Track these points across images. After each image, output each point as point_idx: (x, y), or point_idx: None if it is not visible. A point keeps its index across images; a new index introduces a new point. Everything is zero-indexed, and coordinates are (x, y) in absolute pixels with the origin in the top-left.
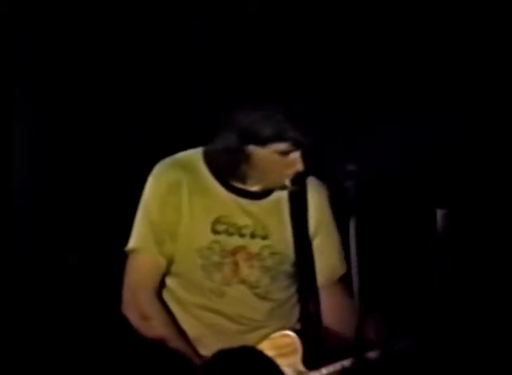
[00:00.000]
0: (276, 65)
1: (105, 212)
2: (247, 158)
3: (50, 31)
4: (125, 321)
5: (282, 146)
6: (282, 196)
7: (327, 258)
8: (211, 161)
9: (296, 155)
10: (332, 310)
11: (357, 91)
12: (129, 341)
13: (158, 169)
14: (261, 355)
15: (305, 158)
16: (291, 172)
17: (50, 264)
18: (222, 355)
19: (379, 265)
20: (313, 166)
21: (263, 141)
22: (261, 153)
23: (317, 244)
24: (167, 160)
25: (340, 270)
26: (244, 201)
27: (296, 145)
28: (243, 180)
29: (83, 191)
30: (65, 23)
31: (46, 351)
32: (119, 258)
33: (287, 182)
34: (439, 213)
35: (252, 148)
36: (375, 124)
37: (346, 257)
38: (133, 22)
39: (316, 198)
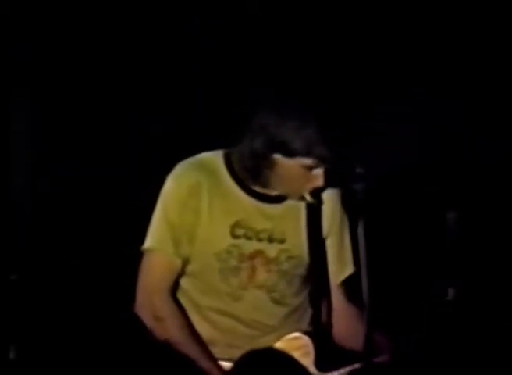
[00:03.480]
0: (276, 65)
1: (111, 212)
2: (271, 165)
3: (50, 31)
4: (136, 322)
5: (308, 161)
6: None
7: (342, 260)
8: (235, 162)
9: (319, 171)
10: (338, 314)
11: (363, 91)
12: (140, 342)
13: (179, 169)
14: (289, 357)
15: (327, 174)
16: (311, 186)
17: (56, 265)
18: (251, 356)
19: (388, 266)
20: (333, 181)
21: (290, 153)
22: (286, 163)
23: (329, 244)
24: (188, 161)
25: (349, 271)
26: (263, 205)
27: (322, 162)
28: (264, 185)
29: (87, 192)
30: (65, 24)
31: (56, 349)
32: (131, 258)
33: (307, 195)
34: (450, 216)
35: (278, 157)
36: (385, 126)
37: (355, 259)
38: (132, 22)
39: (330, 200)
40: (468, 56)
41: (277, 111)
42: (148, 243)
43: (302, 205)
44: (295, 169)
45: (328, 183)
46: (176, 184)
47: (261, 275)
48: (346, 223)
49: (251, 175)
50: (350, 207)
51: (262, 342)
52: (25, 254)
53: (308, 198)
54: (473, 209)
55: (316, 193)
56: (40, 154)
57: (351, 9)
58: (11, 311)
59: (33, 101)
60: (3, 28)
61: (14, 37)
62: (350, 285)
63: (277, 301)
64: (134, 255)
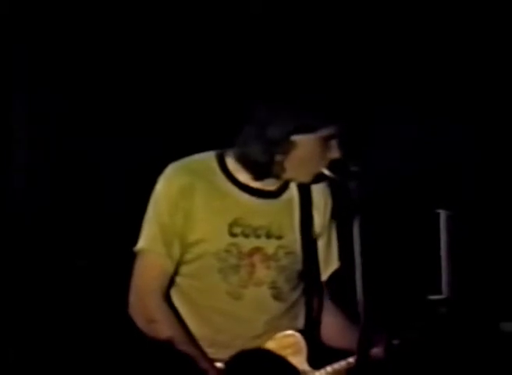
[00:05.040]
0: (278, 64)
1: (109, 212)
2: (288, 150)
3: (50, 31)
4: (131, 322)
5: (328, 131)
6: (293, 196)
7: (329, 255)
8: (229, 162)
9: (334, 142)
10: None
11: (359, 90)
12: (138, 344)
13: (171, 171)
14: (279, 357)
15: (340, 145)
16: (328, 158)
17: (59, 266)
18: (241, 357)
19: (382, 264)
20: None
21: (312, 129)
22: (307, 141)
23: (323, 242)
24: (180, 163)
25: (333, 266)
26: (259, 201)
27: (340, 129)
28: (278, 174)
29: (86, 192)
30: (64, 24)
31: (54, 351)
32: (128, 258)
33: (324, 170)
34: (443, 215)
35: (298, 138)
36: (381, 125)
37: (350, 257)
38: (133, 22)
39: (322, 197)
40: (468, 57)
41: (283, 96)
42: (140, 244)
43: (296, 201)
44: (315, 144)
45: (343, 154)
46: (167, 185)
47: (261, 272)
48: (333, 222)
49: (264, 170)
50: (345, 205)
51: (261, 342)
52: (23, 254)
53: (327, 172)
54: (466, 208)
55: (333, 166)
56: (40, 154)
57: (354, 10)
58: (9, 312)
59: (35, 103)
60: (3, 28)
61: (14, 37)
62: (336, 284)
63: (277, 298)
64: (131, 256)
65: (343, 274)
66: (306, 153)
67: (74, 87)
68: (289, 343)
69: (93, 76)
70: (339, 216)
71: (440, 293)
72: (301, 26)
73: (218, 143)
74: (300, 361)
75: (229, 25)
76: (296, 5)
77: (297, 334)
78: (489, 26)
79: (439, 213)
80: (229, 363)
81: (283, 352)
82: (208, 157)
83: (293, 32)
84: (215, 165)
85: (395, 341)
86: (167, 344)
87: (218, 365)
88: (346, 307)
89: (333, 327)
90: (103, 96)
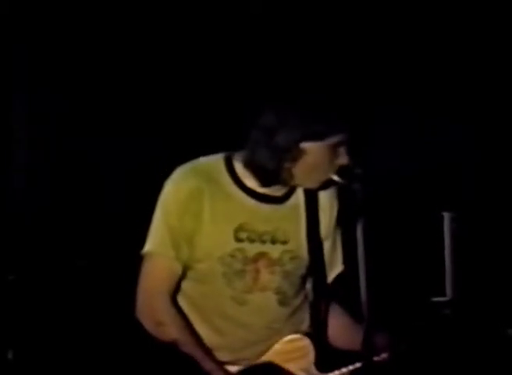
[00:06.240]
0: (278, 64)
1: (110, 214)
2: (296, 157)
3: (49, 31)
4: (134, 324)
5: (337, 138)
6: (299, 200)
7: (334, 258)
8: (237, 165)
9: (343, 149)
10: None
11: (358, 89)
12: (139, 345)
13: (179, 174)
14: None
15: (349, 152)
16: (337, 165)
17: (59, 266)
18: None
19: (386, 266)
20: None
21: (321, 137)
22: (315, 148)
23: (328, 245)
24: (188, 166)
25: (337, 269)
26: (265, 207)
27: (348, 137)
28: (286, 181)
29: (87, 193)
30: (64, 24)
31: (53, 350)
32: (130, 260)
33: (334, 176)
34: (447, 217)
35: (306, 145)
36: (381, 125)
37: (354, 258)
38: (135, 21)
39: (328, 199)
40: (468, 57)
41: (292, 103)
42: (148, 247)
43: (302, 206)
44: (324, 151)
45: (351, 160)
46: (175, 188)
47: (265, 277)
48: (338, 226)
49: (272, 176)
50: (349, 207)
51: (265, 346)
52: (23, 254)
53: (336, 178)
54: (468, 209)
55: (342, 172)
56: (40, 154)
57: (354, 10)
58: (9, 311)
59: (33, 101)
60: (3, 28)
61: (14, 37)
62: (340, 286)
63: (282, 303)
64: (134, 258)
65: (347, 276)
66: (315, 160)
67: (74, 87)
68: (296, 347)
69: (93, 76)
70: (344, 218)
71: (444, 295)
72: (301, 26)
73: (218, 143)
74: (307, 365)
75: (229, 25)
76: (296, 5)
77: (305, 338)
78: (489, 26)
79: (442, 215)
80: None
81: (291, 356)
82: (216, 160)
83: (293, 33)
84: (222, 168)
85: (402, 347)
86: (173, 346)
87: (233, 369)
88: (350, 309)
89: (339, 329)
90: (103, 96)
